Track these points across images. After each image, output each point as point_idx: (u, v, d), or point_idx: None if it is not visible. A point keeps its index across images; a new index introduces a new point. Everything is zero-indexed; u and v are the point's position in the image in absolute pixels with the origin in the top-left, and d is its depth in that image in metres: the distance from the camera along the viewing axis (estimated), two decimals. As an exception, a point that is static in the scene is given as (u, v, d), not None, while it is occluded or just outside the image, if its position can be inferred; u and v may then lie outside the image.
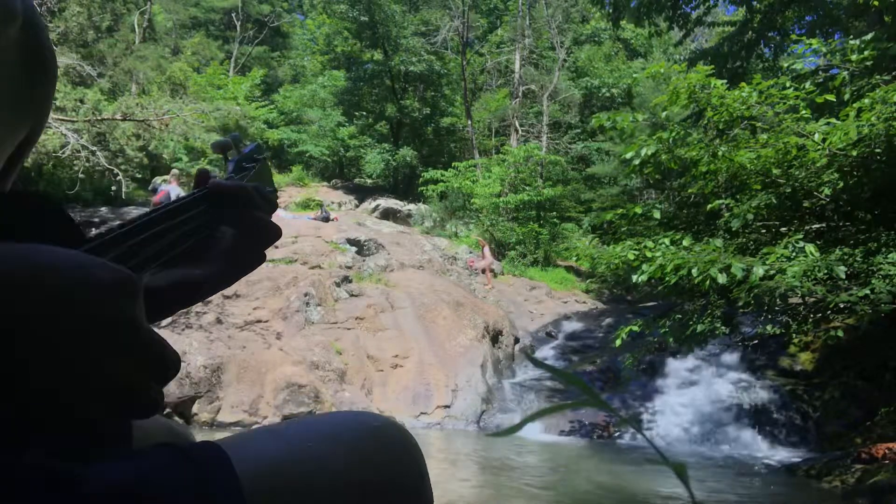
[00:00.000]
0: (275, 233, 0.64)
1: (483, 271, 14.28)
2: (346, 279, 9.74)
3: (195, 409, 6.69)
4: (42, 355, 0.34)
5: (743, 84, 5.74)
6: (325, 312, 8.77)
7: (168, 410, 6.41)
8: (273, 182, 0.86)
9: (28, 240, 0.36)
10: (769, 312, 6.03)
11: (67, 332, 0.34)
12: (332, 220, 14.15)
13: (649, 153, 5.84)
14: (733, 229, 5.64)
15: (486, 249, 14.77)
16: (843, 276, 4.62)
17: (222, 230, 0.61)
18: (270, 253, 0.89)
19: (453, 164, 19.33)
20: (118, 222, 0.47)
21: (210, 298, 7.56)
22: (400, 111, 22.22)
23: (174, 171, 12.08)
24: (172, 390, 6.55)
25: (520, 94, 22.22)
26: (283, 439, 0.55)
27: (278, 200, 0.80)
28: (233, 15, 28.76)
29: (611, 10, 9.83)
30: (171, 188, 10.62)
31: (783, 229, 5.81)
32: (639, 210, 6.23)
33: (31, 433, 0.35)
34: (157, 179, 11.99)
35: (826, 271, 4.65)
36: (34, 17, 0.47)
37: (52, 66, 0.51)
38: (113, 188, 13.05)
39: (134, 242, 0.46)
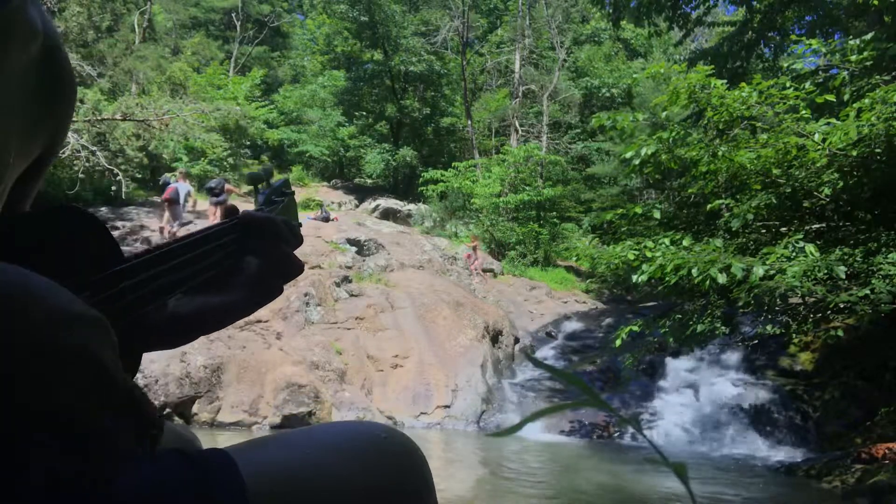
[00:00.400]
0: (298, 267, 0.66)
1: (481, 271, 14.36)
2: (346, 279, 9.74)
3: (195, 409, 6.68)
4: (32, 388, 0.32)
5: (743, 84, 5.74)
6: (325, 312, 8.77)
7: (168, 410, 6.41)
8: (298, 216, 0.88)
9: (65, 253, 0.36)
10: (769, 312, 6.03)
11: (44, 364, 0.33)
12: (332, 220, 14.14)
13: (649, 153, 5.84)
14: (733, 229, 5.63)
15: (478, 249, 14.85)
16: (843, 276, 4.62)
17: (247, 260, 0.62)
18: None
19: (453, 164, 19.33)
20: (147, 246, 0.48)
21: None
22: (400, 111, 22.21)
23: (181, 169, 12.39)
24: (172, 390, 6.55)
25: (520, 94, 22.21)
26: (287, 446, 0.55)
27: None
28: (233, 15, 28.73)
29: (611, 10, 9.83)
30: (179, 185, 11.02)
31: (783, 229, 5.81)
32: (639, 210, 6.23)
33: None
34: (168, 175, 12.20)
35: (826, 271, 4.65)
36: (53, 33, 0.48)
37: (70, 81, 0.51)
38: (113, 188, 13.04)
39: (164, 268, 0.48)
